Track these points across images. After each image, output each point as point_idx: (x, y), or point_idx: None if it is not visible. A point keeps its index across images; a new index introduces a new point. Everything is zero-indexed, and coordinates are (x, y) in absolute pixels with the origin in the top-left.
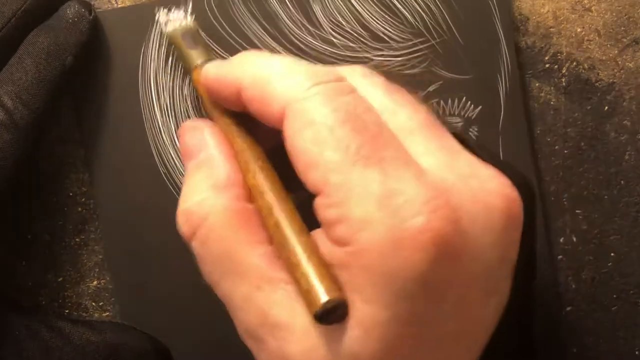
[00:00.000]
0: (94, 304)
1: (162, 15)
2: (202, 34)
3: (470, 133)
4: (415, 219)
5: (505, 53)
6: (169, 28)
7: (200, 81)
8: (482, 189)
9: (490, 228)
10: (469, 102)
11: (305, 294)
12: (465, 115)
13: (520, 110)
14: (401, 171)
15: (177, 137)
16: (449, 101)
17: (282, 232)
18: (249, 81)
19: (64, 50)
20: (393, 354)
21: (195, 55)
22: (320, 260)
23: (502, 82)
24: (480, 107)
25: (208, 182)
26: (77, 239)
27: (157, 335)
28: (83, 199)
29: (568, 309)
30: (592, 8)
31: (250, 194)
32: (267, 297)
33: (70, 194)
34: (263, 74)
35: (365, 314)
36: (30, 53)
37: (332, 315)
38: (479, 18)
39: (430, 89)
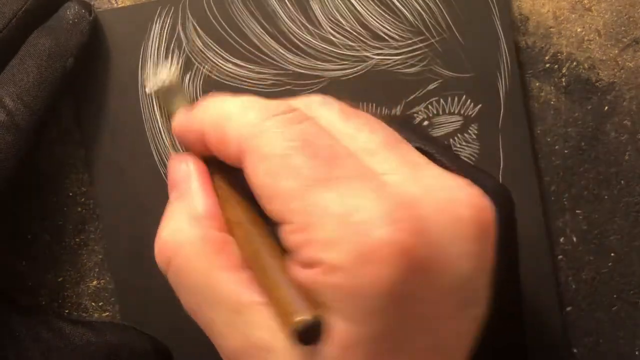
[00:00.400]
0: (93, 304)
1: (149, 75)
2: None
3: (470, 131)
4: (377, 232)
5: (505, 51)
6: (152, 88)
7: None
8: (449, 200)
9: (460, 238)
10: (469, 100)
11: (282, 315)
12: (465, 114)
13: (520, 108)
14: (359, 188)
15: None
16: (449, 99)
17: (258, 258)
18: (209, 125)
19: (65, 51)
20: None
21: (174, 107)
22: (295, 282)
23: (501, 80)
24: (480, 105)
25: (185, 213)
26: (77, 239)
27: (157, 335)
28: (83, 199)
29: (568, 309)
30: (592, 8)
31: (227, 226)
32: (247, 321)
33: (70, 194)
34: (220, 116)
35: (341, 332)
36: (32, 54)
37: (309, 335)
38: (479, 16)
39: (430, 87)
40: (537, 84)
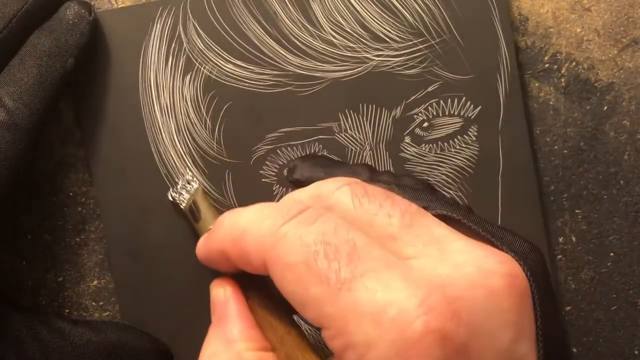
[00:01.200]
0: (94, 303)
1: (172, 195)
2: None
3: (469, 133)
4: (413, 325)
5: (505, 53)
6: (181, 205)
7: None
8: (478, 274)
9: (496, 311)
10: (469, 102)
11: None
12: (465, 115)
13: (520, 110)
14: (388, 280)
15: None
16: (449, 101)
17: None
18: (228, 243)
19: (65, 52)
20: None
21: (201, 228)
22: None
23: (501, 82)
24: (480, 107)
25: (222, 337)
26: (77, 239)
27: (157, 335)
28: (83, 199)
29: (568, 308)
30: (592, 8)
31: (266, 346)
32: None
33: (70, 194)
34: (237, 232)
35: None
36: (32, 55)
37: None
38: (479, 18)
39: (430, 89)
40: (537, 84)
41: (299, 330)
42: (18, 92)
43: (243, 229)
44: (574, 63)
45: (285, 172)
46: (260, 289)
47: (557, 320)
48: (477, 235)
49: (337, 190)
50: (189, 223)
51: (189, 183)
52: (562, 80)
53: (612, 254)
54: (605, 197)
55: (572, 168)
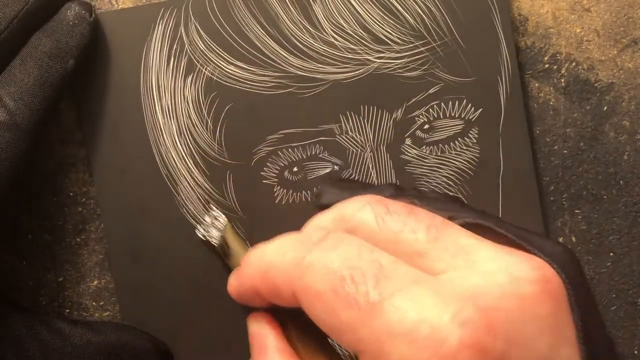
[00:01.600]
0: (94, 303)
1: (202, 232)
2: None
3: (470, 135)
4: (448, 342)
5: (506, 55)
6: (214, 243)
7: None
8: (510, 282)
9: (532, 318)
10: (470, 104)
11: None
12: (466, 117)
13: (521, 113)
14: (416, 296)
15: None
16: (450, 103)
17: None
18: (258, 281)
19: (66, 53)
20: None
21: (233, 263)
22: None
23: (502, 85)
24: (480, 109)
25: None
26: (77, 239)
27: (157, 335)
28: (83, 199)
29: None
30: (591, 8)
31: None
32: None
33: (71, 194)
34: (263, 268)
35: None
36: (33, 55)
37: None
38: (480, 20)
39: (431, 91)
40: (537, 85)
41: (338, 357)
42: (19, 93)
43: (269, 265)
44: (573, 63)
45: (312, 197)
46: (296, 319)
47: (598, 320)
48: (506, 242)
49: (359, 211)
50: (219, 258)
51: (216, 219)
52: (562, 80)
53: (611, 254)
54: (605, 197)
55: (572, 168)
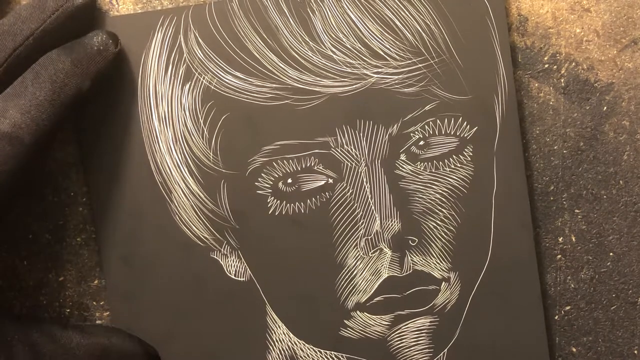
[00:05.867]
0: (94, 303)
1: None
2: None
3: (465, 153)
4: None
5: (503, 75)
6: None
7: None
8: None
9: None
10: (465, 122)
11: None
12: (461, 135)
13: (516, 133)
14: None
15: None
16: (445, 120)
17: None
18: None
19: (83, 73)
20: None
21: None
22: None
23: (498, 104)
24: (476, 127)
25: None
26: (77, 239)
27: (146, 339)
28: (84, 199)
29: (567, 308)
30: (591, 9)
31: None
32: None
33: (71, 194)
34: None
35: None
36: (48, 71)
37: None
38: (478, 40)
39: (427, 107)
40: (536, 85)
41: None
42: (27, 106)
43: None
44: (573, 63)
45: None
46: None
47: None
48: None
49: None
50: None
51: None
52: (562, 80)
53: (611, 253)
54: (604, 197)
55: (572, 168)
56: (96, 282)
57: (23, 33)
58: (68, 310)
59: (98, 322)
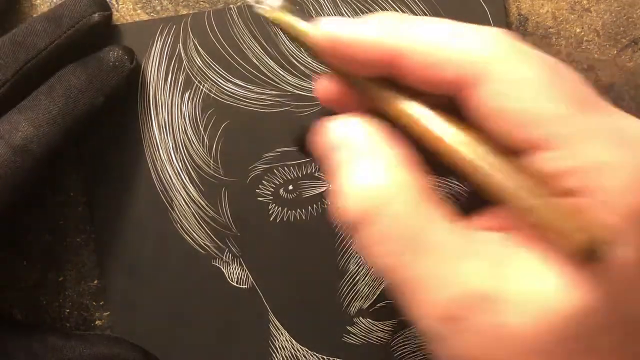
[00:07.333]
0: (94, 303)
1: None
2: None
3: None
4: None
5: None
6: (267, 11)
7: (321, 47)
8: None
9: None
10: None
11: (558, 232)
12: None
13: None
14: (621, 113)
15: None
16: None
17: (527, 189)
18: (409, 48)
19: (98, 89)
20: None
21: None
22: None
23: None
24: None
25: (378, 163)
26: (77, 239)
27: (148, 348)
28: (84, 199)
29: None
30: (591, 8)
31: (425, 172)
32: (466, 270)
33: (71, 194)
34: (428, 39)
35: (619, 260)
36: (63, 84)
37: (592, 255)
38: None
39: None
40: None
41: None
42: (40, 120)
43: (446, 40)
44: (573, 63)
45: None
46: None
47: None
48: None
49: None
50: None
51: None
52: None
53: None
54: None
55: None
56: (96, 282)
57: (37, 47)
58: (67, 311)
59: (98, 322)
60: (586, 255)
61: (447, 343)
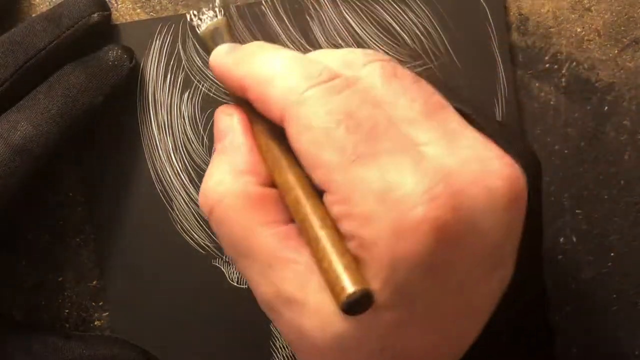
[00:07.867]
0: (94, 303)
1: (192, 17)
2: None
3: None
4: (415, 210)
5: (503, 79)
6: (201, 29)
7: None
8: (482, 172)
9: (493, 210)
10: None
11: (331, 285)
12: None
13: None
14: (399, 162)
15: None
16: None
17: (308, 228)
18: (251, 82)
19: (97, 89)
20: (403, 328)
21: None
22: (345, 251)
23: (499, 107)
24: None
25: (228, 166)
26: (77, 239)
27: (148, 349)
28: (83, 199)
29: (568, 308)
30: (592, 8)
31: (271, 182)
32: (278, 274)
33: (71, 194)
34: (262, 75)
35: (378, 299)
36: (62, 84)
37: (357, 306)
38: (477, 42)
39: None
40: (537, 84)
41: (299, 173)
42: (39, 119)
43: (269, 77)
44: (574, 63)
45: None
46: (266, 125)
47: (539, 231)
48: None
49: (368, 65)
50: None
51: (216, 16)
52: (563, 80)
53: (612, 253)
54: (605, 197)
55: (573, 168)
56: (95, 282)
57: (36, 46)
58: (67, 311)
59: (97, 322)
60: (347, 309)
61: (275, 324)
